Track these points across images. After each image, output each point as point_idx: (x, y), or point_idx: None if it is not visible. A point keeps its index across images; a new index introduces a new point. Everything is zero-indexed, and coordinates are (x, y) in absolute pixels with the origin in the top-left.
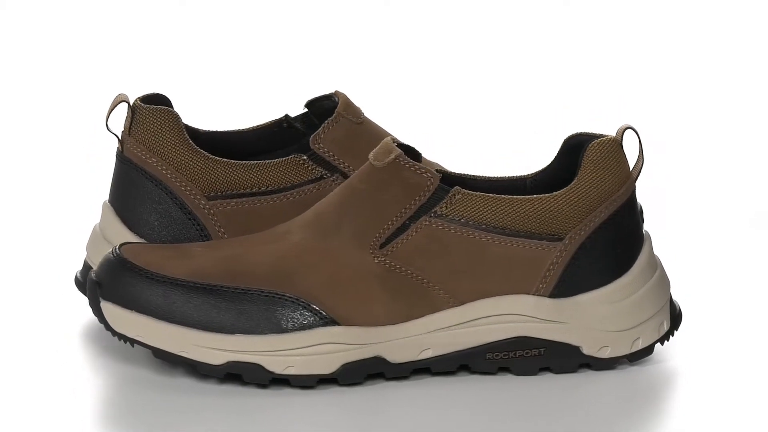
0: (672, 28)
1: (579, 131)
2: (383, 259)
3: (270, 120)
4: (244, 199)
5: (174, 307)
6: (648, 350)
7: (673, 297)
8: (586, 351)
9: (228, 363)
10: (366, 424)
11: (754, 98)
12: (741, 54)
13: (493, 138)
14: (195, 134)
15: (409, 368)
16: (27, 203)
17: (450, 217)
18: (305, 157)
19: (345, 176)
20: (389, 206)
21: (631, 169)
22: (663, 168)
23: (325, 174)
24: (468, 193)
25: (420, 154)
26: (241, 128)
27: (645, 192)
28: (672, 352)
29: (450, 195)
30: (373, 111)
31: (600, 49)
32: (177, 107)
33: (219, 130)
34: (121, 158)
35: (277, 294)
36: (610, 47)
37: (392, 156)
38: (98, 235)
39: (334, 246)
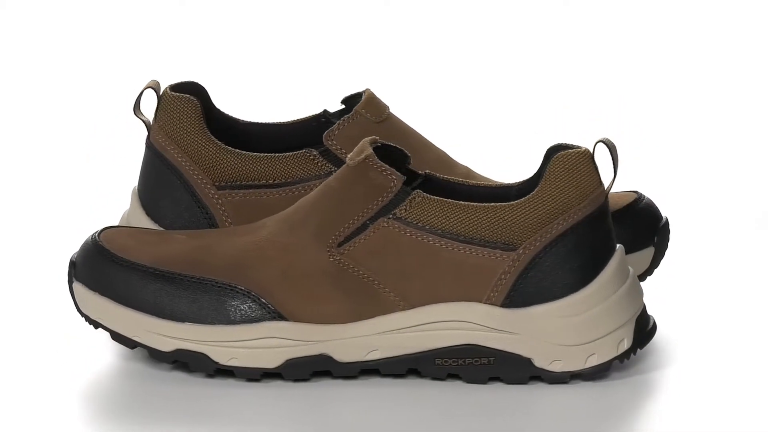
0: (675, 27)
1: (560, 142)
2: (338, 257)
3: (309, 115)
4: (251, 190)
5: (131, 292)
6: (603, 367)
7: (648, 312)
8: (537, 363)
9: (176, 350)
10: (306, 418)
11: (758, 96)
12: (744, 55)
13: (493, 138)
14: (234, 124)
15: (357, 368)
16: (67, 189)
17: (408, 220)
18: (316, 153)
19: None
20: (352, 205)
21: (603, 183)
22: (666, 169)
23: (335, 170)
24: (427, 197)
25: (408, 156)
26: (280, 121)
27: (647, 192)
28: (666, 358)
29: (410, 198)
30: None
31: (600, 49)
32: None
33: (259, 121)
34: (147, 144)
35: (230, 285)
36: (610, 47)
37: (362, 156)
38: (125, 221)
39: (295, 241)
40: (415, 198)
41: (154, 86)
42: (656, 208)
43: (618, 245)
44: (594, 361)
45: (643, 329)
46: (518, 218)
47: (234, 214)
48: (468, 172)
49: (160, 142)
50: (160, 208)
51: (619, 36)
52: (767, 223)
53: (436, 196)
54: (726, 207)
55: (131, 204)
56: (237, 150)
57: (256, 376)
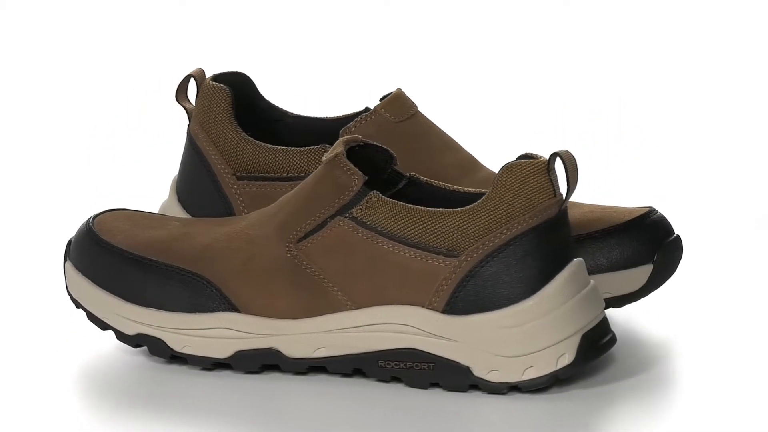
0: (673, 27)
1: (527, 152)
2: (295, 253)
3: (352, 111)
4: (267, 182)
5: (106, 275)
6: (541, 380)
7: (610, 327)
8: (476, 372)
9: (138, 334)
10: (255, 410)
11: (757, 95)
12: (744, 54)
13: (492, 138)
14: (281, 117)
15: (305, 364)
16: (113, 175)
17: (362, 220)
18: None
19: None
20: (316, 202)
21: (558, 194)
22: (665, 168)
23: None
24: (382, 199)
25: (393, 158)
26: (326, 116)
27: (648, 191)
28: (663, 358)
29: (366, 199)
30: None
31: (600, 49)
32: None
33: (306, 115)
34: (187, 132)
35: (193, 274)
36: (610, 47)
37: (333, 154)
38: (162, 209)
39: (261, 234)
40: (371, 198)
41: (197, 75)
42: (666, 225)
43: (576, 259)
44: (531, 374)
45: (592, 345)
46: (461, 225)
47: (250, 205)
48: (491, 176)
49: (194, 130)
50: (189, 195)
51: (620, 36)
52: (767, 223)
53: (420, 198)
54: (726, 207)
55: (169, 192)
56: (257, 141)
57: (208, 365)
